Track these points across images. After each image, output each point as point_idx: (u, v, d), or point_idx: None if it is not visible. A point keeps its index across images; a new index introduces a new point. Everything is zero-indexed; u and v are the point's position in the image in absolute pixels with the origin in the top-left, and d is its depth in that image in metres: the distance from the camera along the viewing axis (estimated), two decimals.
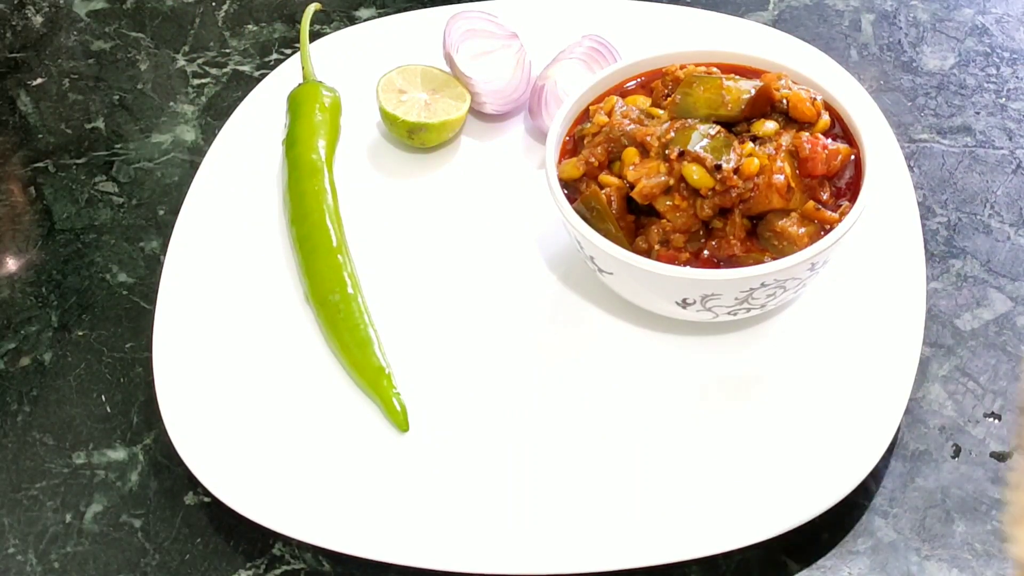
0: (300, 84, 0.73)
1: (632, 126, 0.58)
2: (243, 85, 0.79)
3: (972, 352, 0.60)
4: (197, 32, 0.85)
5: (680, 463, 0.55)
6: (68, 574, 0.55)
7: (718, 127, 0.56)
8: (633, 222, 0.57)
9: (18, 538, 0.56)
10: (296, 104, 0.72)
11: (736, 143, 0.56)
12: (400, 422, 0.57)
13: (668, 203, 0.56)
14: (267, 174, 0.71)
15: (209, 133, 0.76)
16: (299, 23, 0.75)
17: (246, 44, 0.83)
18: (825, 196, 0.57)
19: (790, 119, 0.58)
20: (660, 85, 0.61)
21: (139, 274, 0.69)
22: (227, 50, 0.83)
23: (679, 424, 0.56)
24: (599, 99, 0.62)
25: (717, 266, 0.56)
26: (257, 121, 0.74)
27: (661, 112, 0.59)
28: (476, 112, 0.72)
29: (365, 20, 0.83)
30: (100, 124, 0.78)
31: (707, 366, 0.59)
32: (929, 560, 0.52)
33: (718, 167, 0.54)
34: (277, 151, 0.71)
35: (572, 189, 0.59)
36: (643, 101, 0.61)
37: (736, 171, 0.55)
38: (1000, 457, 0.56)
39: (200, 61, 0.82)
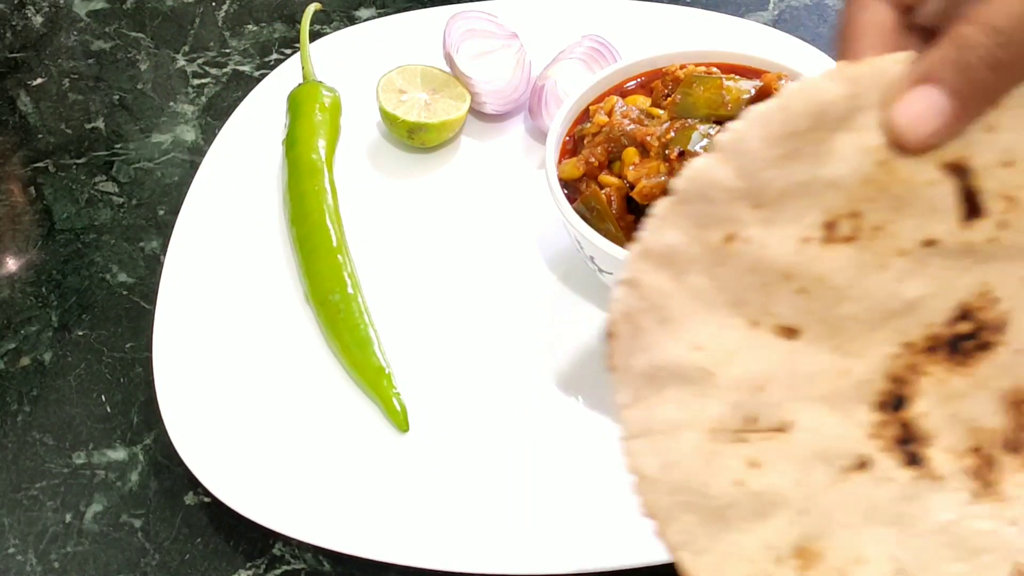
0: (300, 84, 0.73)
1: (632, 126, 0.58)
2: (243, 85, 0.79)
3: None
4: (197, 32, 0.85)
5: None
6: (68, 574, 0.55)
7: (718, 127, 0.56)
8: (633, 222, 0.57)
9: (18, 538, 0.56)
10: (296, 104, 0.72)
11: None
12: (400, 422, 0.57)
13: None
14: (267, 174, 0.71)
15: (209, 133, 0.76)
16: (299, 23, 0.75)
17: (246, 44, 0.83)
18: None
19: None
20: (660, 85, 0.61)
21: (139, 274, 0.69)
22: (227, 50, 0.83)
23: None
24: (599, 99, 0.62)
25: None
26: (257, 121, 0.74)
27: (661, 112, 0.59)
28: (476, 112, 0.72)
29: (365, 20, 0.83)
30: (100, 124, 0.78)
31: None
32: None
33: None
34: (277, 151, 0.71)
35: (572, 189, 0.59)
36: (643, 101, 0.61)
37: None
38: None
39: (200, 61, 0.82)
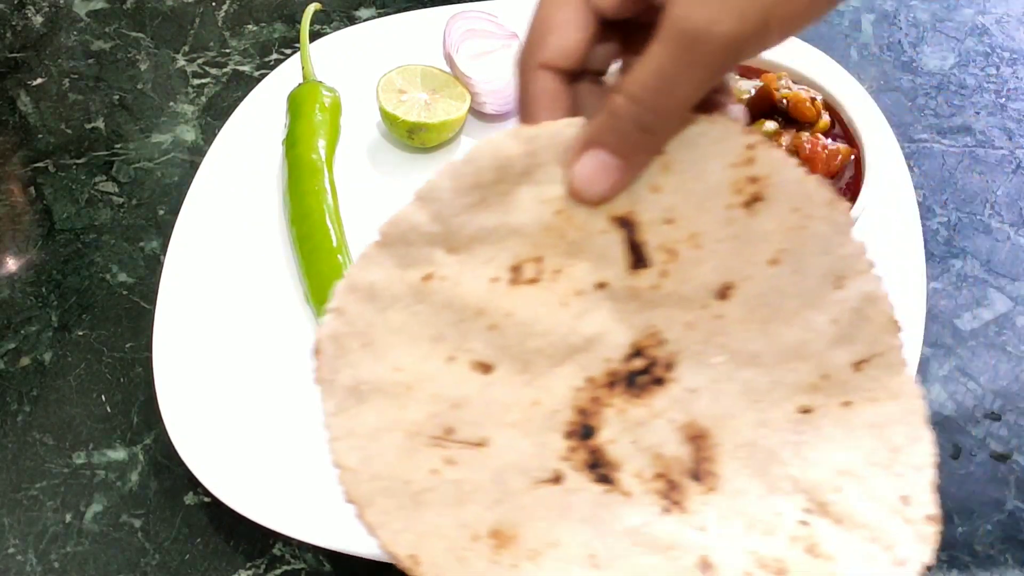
0: (300, 84, 0.73)
1: None
2: (243, 85, 0.79)
3: (972, 352, 0.60)
4: (197, 32, 0.85)
5: None
6: (68, 574, 0.55)
7: None
8: None
9: (18, 538, 0.56)
10: (296, 104, 0.72)
11: None
12: None
13: None
14: (267, 174, 0.71)
15: (209, 133, 0.76)
16: (299, 23, 0.75)
17: (246, 44, 0.83)
18: None
19: (790, 119, 0.58)
20: None
21: (139, 274, 0.69)
22: (227, 50, 0.83)
23: None
24: None
25: None
26: (257, 121, 0.74)
27: None
28: (476, 112, 0.72)
29: (365, 20, 0.83)
30: (100, 124, 0.78)
31: None
32: None
33: None
34: (277, 151, 0.71)
35: None
36: None
37: None
38: (1000, 458, 0.56)
39: (200, 61, 0.82)
